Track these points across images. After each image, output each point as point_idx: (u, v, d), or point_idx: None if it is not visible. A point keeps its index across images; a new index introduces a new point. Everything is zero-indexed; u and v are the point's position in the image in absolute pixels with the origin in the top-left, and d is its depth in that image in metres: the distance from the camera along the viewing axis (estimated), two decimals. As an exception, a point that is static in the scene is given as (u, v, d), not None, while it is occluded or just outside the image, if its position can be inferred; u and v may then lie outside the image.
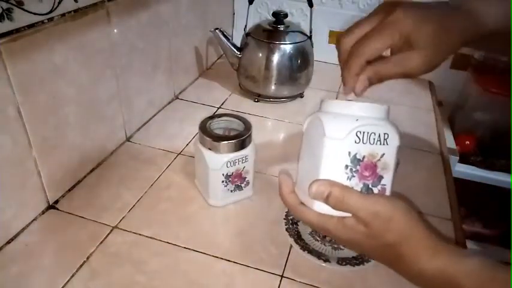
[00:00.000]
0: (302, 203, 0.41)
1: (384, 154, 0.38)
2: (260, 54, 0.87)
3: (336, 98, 0.95)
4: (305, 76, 0.91)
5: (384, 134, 0.38)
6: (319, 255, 0.54)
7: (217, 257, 0.53)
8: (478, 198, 1.11)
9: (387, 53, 0.43)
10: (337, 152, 0.37)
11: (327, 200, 0.37)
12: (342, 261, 0.53)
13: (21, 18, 0.47)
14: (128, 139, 0.75)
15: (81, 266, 0.51)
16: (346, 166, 0.37)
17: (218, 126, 0.61)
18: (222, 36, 0.87)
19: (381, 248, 0.38)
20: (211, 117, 0.61)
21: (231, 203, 0.62)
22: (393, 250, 0.37)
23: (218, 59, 1.11)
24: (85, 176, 0.65)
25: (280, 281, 0.51)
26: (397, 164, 0.64)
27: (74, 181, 0.63)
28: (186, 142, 0.76)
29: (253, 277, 0.51)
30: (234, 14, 1.17)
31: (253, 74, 0.89)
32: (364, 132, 0.37)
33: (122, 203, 0.61)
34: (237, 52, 0.89)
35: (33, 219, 0.56)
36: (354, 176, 0.38)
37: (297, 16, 1.11)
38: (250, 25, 0.92)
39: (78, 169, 0.64)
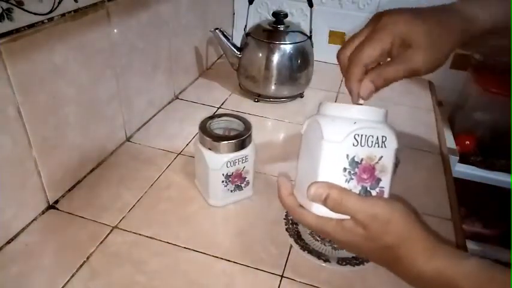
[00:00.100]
0: (301, 206, 0.41)
1: (382, 157, 0.38)
2: (260, 54, 0.87)
3: (336, 99, 0.95)
4: (305, 76, 0.91)
5: (382, 136, 0.38)
6: (319, 255, 0.54)
7: (217, 257, 0.53)
8: (478, 198, 1.11)
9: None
10: (335, 155, 0.37)
11: (325, 202, 0.38)
12: (342, 261, 0.53)
13: (21, 18, 0.47)
14: (128, 139, 0.75)
15: (81, 266, 0.51)
16: (345, 169, 0.38)
17: (218, 126, 0.61)
18: (222, 36, 0.87)
19: (379, 250, 0.38)
20: (211, 117, 0.61)
21: (231, 203, 0.62)
22: (391, 252, 0.37)
23: (218, 59, 1.11)
24: (85, 176, 0.65)
25: (280, 281, 0.51)
26: (397, 164, 0.64)
27: (74, 181, 0.63)
28: (186, 142, 0.76)
29: (253, 277, 0.51)
30: (234, 14, 1.17)
31: (253, 74, 0.89)
32: (362, 135, 0.37)
33: (122, 203, 0.61)
34: (237, 52, 0.89)
35: (33, 219, 0.56)
36: (352, 179, 0.38)
37: (297, 16, 1.11)
38: (250, 25, 0.92)
39: (78, 169, 0.64)
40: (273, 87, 0.89)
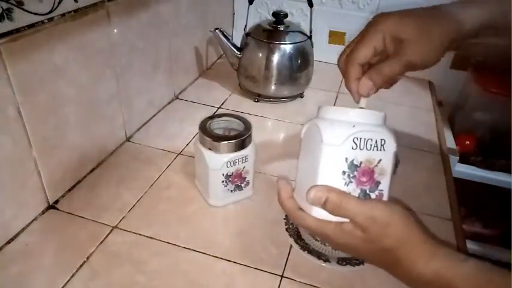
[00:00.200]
0: (301, 209, 0.41)
1: (380, 160, 0.38)
2: (260, 54, 0.87)
3: (336, 99, 0.95)
4: (305, 76, 0.91)
5: (381, 139, 0.38)
6: (319, 255, 0.54)
7: (217, 257, 0.53)
8: (478, 198, 1.11)
9: None
10: (334, 158, 0.38)
11: (324, 206, 0.38)
12: (342, 261, 0.53)
13: (21, 18, 0.47)
14: (128, 139, 0.75)
15: (81, 266, 0.51)
16: (344, 172, 0.38)
17: (218, 126, 0.61)
18: (222, 36, 0.87)
19: (378, 253, 0.38)
20: (211, 117, 0.61)
21: (231, 203, 0.62)
22: (391, 255, 0.37)
23: (218, 59, 1.11)
24: (85, 176, 0.65)
25: (280, 281, 0.51)
26: (397, 164, 0.64)
27: (74, 181, 0.63)
28: (186, 142, 0.76)
29: (253, 277, 0.51)
30: (234, 14, 1.17)
31: (253, 74, 0.89)
32: (361, 139, 0.37)
33: (122, 203, 0.61)
34: (237, 52, 0.89)
35: (33, 219, 0.56)
36: (351, 182, 0.38)
37: (297, 16, 1.11)
38: (250, 25, 0.92)
39: (78, 169, 0.64)
40: (273, 87, 0.89)
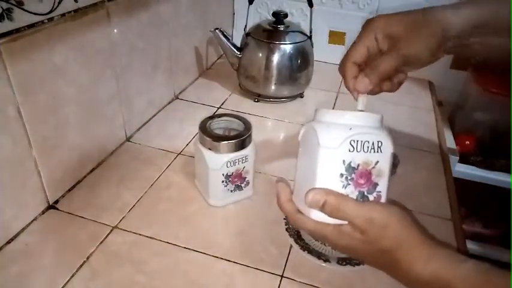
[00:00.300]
0: (300, 211, 0.41)
1: (378, 162, 0.38)
2: (260, 54, 0.87)
3: (336, 99, 0.95)
4: (305, 76, 0.91)
5: (378, 142, 0.38)
6: (319, 255, 0.54)
7: (217, 257, 0.53)
8: (478, 198, 1.11)
9: None
10: (331, 161, 0.38)
11: (322, 208, 0.38)
12: (342, 261, 0.53)
13: (21, 18, 0.47)
14: (128, 139, 0.75)
15: (81, 266, 0.51)
16: (341, 174, 0.38)
17: (218, 126, 0.61)
18: (222, 36, 0.87)
19: (377, 254, 0.39)
20: (211, 117, 0.61)
21: (231, 203, 0.62)
22: (389, 256, 0.38)
23: (218, 59, 1.11)
24: (85, 176, 0.65)
25: (280, 281, 0.51)
26: (397, 164, 0.64)
27: (74, 181, 0.63)
28: (186, 142, 0.76)
29: (253, 277, 0.51)
30: (234, 14, 1.17)
31: (253, 74, 0.89)
32: (357, 141, 0.38)
33: (122, 203, 0.61)
34: (237, 52, 0.89)
35: (33, 219, 0.56)
36: (349, 184, 0.38)
37: (297, 16, 1.11)
38: (250, 25, 0.92)
39: (78, 169, 0.64)
40: (273, 87, 0.89)
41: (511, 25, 0.44)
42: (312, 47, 0.92)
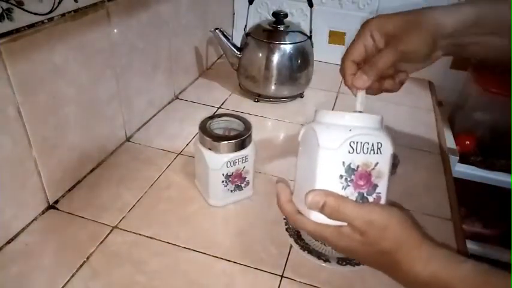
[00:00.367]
0: (299, 212, 0.41)
1: (377, 163, 0.38)
2: (260, 54, 0.87)
3: (336, 99, 0.95)
4: (305, 76, 0.91)
5: (377, 143, 0.38)
6: (319, 255, 0.54)
7: (217, 257, 0.53)
8: (478, 198, 1.11)
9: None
10: (331, 162, 0.38)
11: (322, 210, 0.38)
12: (342, 261, 0.53)
13: (21, 18, 0.47)
14: (128, 139, 0.75)
15: (81, 266, 0.51)
16: (341, 176, 0.38)
17: (218, 126, 0.61)
18: (222, 36, 0.87)
19: (377, 255, 0.39)
20: (211, 117, 0.61)
21: (231, 203, 0.62)
22: (389, 257, 0.38)
23: (218, 59, 1.11)
24: (85, 176, 0.65)
25: (280, 281, 0.51)
26: (397, 164, 0.64)
27: (74, 181, 0.63)
28: (186, 142, 0.76)
29: (253, 277, 0.51)
30: (234, 14, 1.17)
31: (253, 74, 0.89)
32: (357, 142, 0.38)
33: (122, 203, 0.61)
34: (237, 52, 0.89)
35: (33, 219, 0.56)
36: (348, 186, 0.38)
37: (297, 16, 1.11)
38: (250, 25, 0.92)
39: (78, 169, 0.64)
40: (273, 87, 0.89)
41: (511, 25, 0.44)
42: (312, 47, 0.92)
